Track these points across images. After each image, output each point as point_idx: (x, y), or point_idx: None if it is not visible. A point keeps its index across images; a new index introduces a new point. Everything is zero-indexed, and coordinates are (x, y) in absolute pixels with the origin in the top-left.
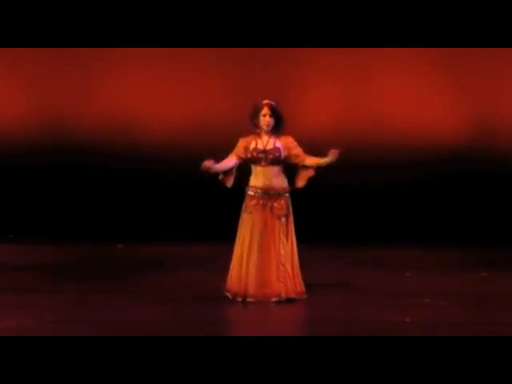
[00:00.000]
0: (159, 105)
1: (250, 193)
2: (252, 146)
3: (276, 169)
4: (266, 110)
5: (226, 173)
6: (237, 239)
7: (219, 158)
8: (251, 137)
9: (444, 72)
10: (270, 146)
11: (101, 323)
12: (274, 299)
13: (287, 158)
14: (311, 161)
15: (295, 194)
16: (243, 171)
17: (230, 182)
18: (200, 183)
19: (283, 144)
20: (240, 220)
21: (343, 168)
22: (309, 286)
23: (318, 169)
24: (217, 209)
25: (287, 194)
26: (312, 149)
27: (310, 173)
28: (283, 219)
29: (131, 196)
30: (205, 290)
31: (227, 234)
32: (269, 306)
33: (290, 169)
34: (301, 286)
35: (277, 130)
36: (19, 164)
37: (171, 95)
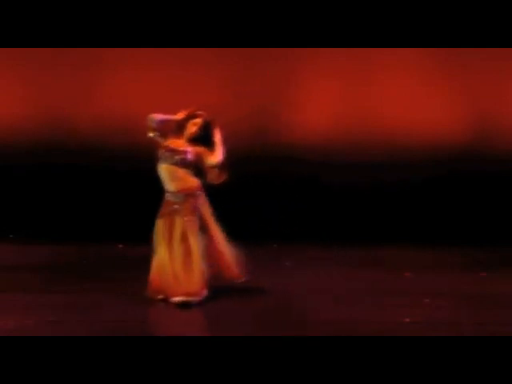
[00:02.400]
0: (159, 105)
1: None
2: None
3: (181, 171)
4: (199, 121)
5: None
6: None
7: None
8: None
9: (444, 72)
10: (180, 148)
11: (101, 323)
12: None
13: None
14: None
15: (295, 195)
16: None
17: None
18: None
19: (194, 150)
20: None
21: (343, 168)
22: (308, 285)
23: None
24: (216, 209)
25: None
26: (312, 149)
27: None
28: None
29: (131, 196)
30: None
31: (228, 234)
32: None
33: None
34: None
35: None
36: (19, 164)
37: (171, 95)
